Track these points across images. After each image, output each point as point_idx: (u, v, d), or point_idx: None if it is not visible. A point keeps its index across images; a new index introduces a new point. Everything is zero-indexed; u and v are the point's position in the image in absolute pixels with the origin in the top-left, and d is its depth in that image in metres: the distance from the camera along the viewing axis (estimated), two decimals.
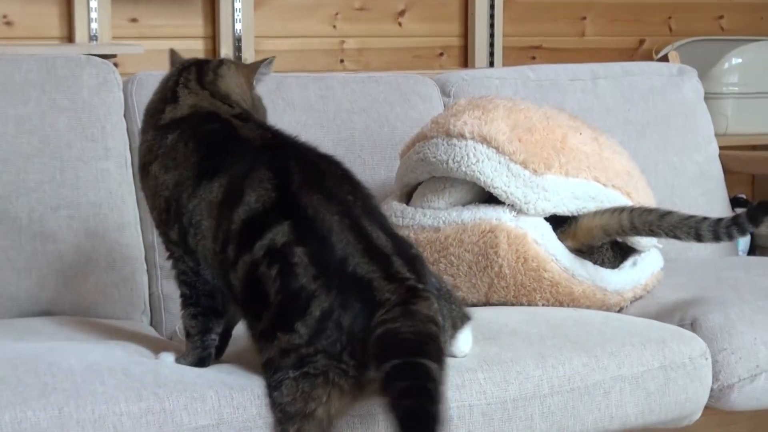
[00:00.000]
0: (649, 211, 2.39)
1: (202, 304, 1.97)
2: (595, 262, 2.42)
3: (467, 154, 2.42)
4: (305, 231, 1.87)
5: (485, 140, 2.42)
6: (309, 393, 1.80)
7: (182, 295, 1.99)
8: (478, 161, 2.41)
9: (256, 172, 1.92)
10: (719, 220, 2.31)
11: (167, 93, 2.04)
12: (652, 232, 2.37)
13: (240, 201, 1.90)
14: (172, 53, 2.13)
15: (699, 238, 2.32)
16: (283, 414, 1.82)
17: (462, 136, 2.43)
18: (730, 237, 2.32)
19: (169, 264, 2.03)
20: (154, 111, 2.04)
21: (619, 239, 2.46)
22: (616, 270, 2.44)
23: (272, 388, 1.84)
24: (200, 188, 1.93)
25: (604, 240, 2.43)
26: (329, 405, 1.80)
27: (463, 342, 2.01)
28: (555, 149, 2.43)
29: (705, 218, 2.32)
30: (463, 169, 2.41)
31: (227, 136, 1.99)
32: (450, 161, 2.43)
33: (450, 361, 2.00)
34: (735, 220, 2.29)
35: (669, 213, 2.36)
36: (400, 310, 1.79)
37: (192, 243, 1.94)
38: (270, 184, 1.90)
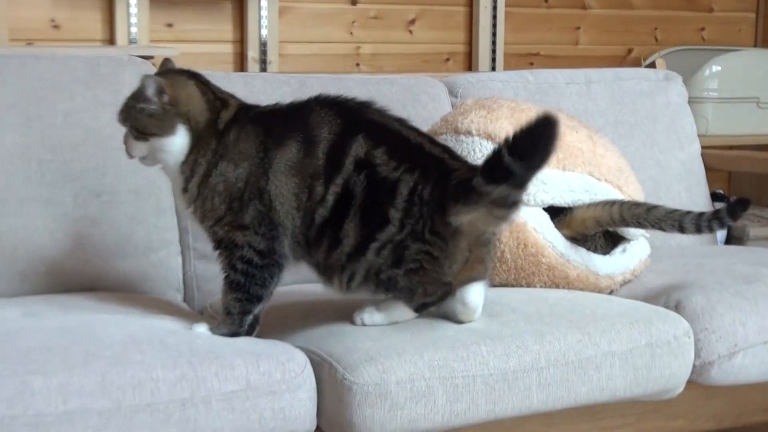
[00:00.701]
0: (637, 204, 2.39)
1: (250, 292, 2.00)
2: (588, 249, 2.41)
3: (473, 150, 2.41)
4: (378, 136, 1.98)
5: (490, 137, 2.41)
6: (416, 286, 1.96)
7: (234, 282, 2.00)
8: (483, 156, 2.40)
9: (315, 115, 2.01)
10: (701, 214, 2.30)
11: (215, 103, 2.04)
12: (639, 224, 2.37)
13: (316, 142, 1.98)
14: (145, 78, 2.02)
15: (682, 230, 2.31)
16: (406, 295, 1.99)
17: (469, 133, 2.43)
18: (711, 230, 2.31)
19: (214, 253, 2.05)
20: (208, 124, 2.02)
21: (610, 229, 2.45)
22: (607, 256, 2.44)
23: (381, 286, 1.97)
24: (273, 162, 1.98)
25: (596, 230, 2.43)
26: (433, 288, 1.98)
27: (475, 293, 2.05)
28: None
29: (688, 212, 2.32)
30: None
31: (267, 114, 2.06)
32: None
33: (455, 335, 2.01)
34: (716, 215, 2.28)
35: (655, 207, 2.36)
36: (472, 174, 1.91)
37: (277, 217, 1.98)
38: (331, 116, 2.00)
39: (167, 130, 2.01)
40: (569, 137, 2.47)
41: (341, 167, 1.96)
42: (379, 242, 1.94)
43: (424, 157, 1.98)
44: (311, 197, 1.97)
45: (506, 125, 2.42)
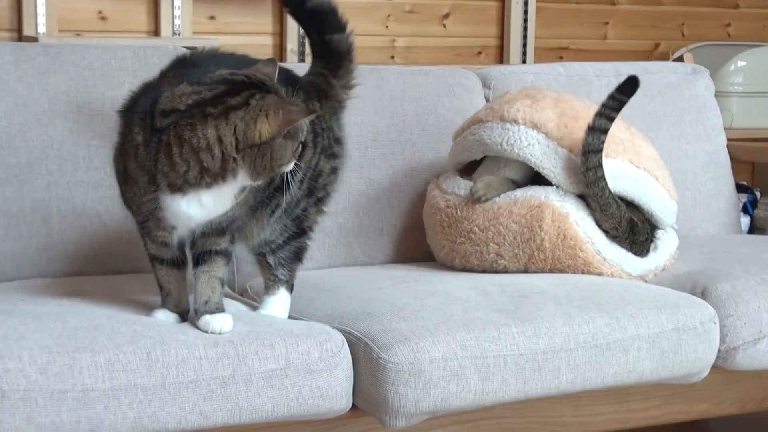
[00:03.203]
0: None
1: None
2: (635, 252, 2.37)
3: (520, 138, 2.39)
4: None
5: (536, 126, 2.39)
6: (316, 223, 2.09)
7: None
8: (529, 145, 2.38)
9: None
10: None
11: None
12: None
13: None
14: None
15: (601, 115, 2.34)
16: (305, 240, 2.08)
17: (515, 121, 2.41)
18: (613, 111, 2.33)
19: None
20: None
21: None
22: (642, 258, 2.40)
23: (293, 223, 2.04)
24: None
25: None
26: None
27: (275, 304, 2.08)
28: None
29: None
30: (516, 151, 2.39)
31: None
32: (504, 143, 2.41)
33: (486, 316, 2.01)
34: (612, 95, 2.33)
35: None
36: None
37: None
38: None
39: None
40: (611, 127, 2.45)
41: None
42: (301, 170, 1.93)
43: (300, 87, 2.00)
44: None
45: (551, 115, 2.41)
